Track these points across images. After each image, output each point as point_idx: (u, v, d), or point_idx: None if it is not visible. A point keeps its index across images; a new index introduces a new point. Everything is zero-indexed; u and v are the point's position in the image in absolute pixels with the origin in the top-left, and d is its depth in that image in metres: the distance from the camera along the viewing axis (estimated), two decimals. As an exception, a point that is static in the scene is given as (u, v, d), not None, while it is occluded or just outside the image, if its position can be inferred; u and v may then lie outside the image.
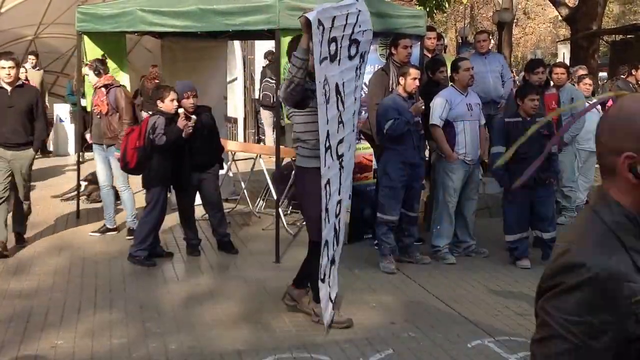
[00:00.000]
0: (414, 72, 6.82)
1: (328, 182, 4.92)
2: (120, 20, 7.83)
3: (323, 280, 5.11)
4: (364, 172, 8.04)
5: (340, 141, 5.08)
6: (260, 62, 15.06)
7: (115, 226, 8.05)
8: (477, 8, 37.10)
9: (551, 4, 23.39)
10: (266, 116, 13.67)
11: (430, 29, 9.13)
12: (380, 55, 8.21)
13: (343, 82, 5.04)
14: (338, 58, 4.93)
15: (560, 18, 25.55)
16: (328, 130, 4.84)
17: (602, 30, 20.07)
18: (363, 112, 7.84)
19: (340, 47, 4.94)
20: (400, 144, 6.82)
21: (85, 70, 7.84)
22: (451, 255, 7.24)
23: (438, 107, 7.17)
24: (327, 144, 4.84)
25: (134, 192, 7.92)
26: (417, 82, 6.82)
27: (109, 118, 7.56)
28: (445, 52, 22.01)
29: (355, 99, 5.39)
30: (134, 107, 7.92)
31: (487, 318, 5.58)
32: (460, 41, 26.44)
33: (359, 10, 5.12)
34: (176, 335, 5.15)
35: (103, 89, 7.57)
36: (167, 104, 6.81)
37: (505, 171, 7.00)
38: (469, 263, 7.17)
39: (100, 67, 7.64)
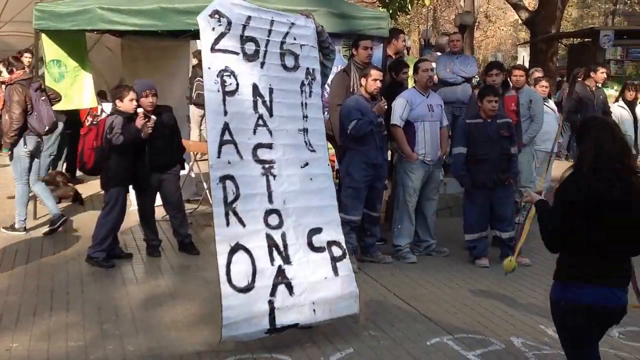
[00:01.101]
0: (375, 74, 6.85)
1: (231, 178, 4.86)
2: (79, 19, 7.72)
3: (244, 290, 4.80)
4: (326, 173, 8.03)
5: (266, 146, 5.08)
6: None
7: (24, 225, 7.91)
8: (439, 11, 37.41)
9: (512, 8, 23.74)
10: (195, 114, 13.20)
11: (399, 31, 9.17)
12: (343, 56, 8.25)
13: (271, 88, 5.17)
14: (260, 60, 5.14)
15: (520, 21, 25.92)
16: (227, 123, 4.90)
17: (560, 34, 20.45)
18: (325, 113, 7.86)
19: (266, 51, 5.16)
20: (363, 144, 6.86)
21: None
22: (412, 255, 7.30)
23: (399, 107, 7.23)
24: (227, 137, 4.88)
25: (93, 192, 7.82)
26: (378, 84, 6.85)
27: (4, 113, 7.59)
28: (408, 54, 22.17)
29: (307, 117, 5.36)
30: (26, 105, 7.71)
31: (446, 316, 5.63)
32: (423, 43, 26.62)
33: (292, 23, 5.33)
34: (134, 337, 5.09)
35: (3, 85, 7.55)
36: (126, 104, 6.74)
37: (465, 172, 7.09)
38: (429, 262, 7.24)
39: (14, 64, 7.61)
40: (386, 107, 6.94)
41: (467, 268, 7.03)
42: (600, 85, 10.48)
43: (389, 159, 7.77)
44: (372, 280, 6.60)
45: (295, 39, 5.35)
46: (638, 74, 15.13)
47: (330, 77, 7.68)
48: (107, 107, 11.34)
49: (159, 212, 7.55)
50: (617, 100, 10.44)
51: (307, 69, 5.41)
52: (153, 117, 6.77)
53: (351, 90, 7.28)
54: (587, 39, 17.19)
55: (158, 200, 7.32)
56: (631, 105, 10.06)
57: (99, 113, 11.19)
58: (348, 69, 7.47)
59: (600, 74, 10.09)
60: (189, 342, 5.03)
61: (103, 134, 6.64)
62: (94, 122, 8.23)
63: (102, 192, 6.99)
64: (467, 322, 5.53)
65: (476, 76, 18.22)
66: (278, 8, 6.83)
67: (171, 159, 7.20)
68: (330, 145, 7.83)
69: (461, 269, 6.98)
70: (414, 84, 7.62)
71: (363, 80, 6.90)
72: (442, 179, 8.04)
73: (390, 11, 14.12)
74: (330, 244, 5.19)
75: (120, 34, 9.21)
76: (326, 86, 7.84)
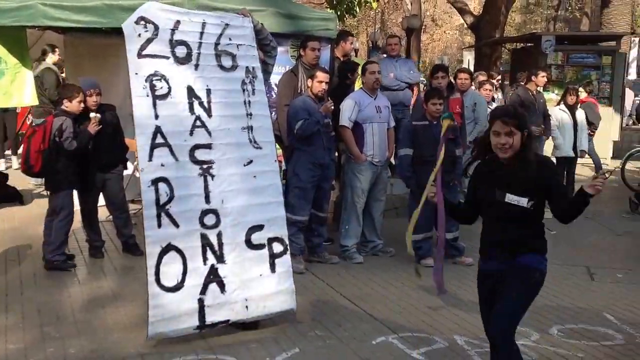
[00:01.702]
0: (321, 76, 6.87)
1: (164, 180, 4.91)
2: (20, 14, 7.49)
3: (172, 290, 4.91)
4: (273, 173, 8.02)
5: (204, 147, 5.13)
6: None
7: None
8: (387, 14, 37.78)
9: (457, 12, 24.09)
10: None
11: (348, 34, 9.20)
12: (291, 56, 8.25)
13: (208, 89, 5.24)
14: (194, 63, 5.21)
15: (465, 26, 26.34)
16: (159, 127, 4.95)
17: (504, 38, 20.82)
18: (273, 113, 7.84)
19: (199, 54, 5.24)
20: (310, 145, 6.87)
21: None
22: (359, 255, 7.33)
23: (347, 108, 7.26)
24: (160, 141, 4.94)
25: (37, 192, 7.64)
26: (324, 86, 6.87)
27: None
28: (356, 55, 22.29)
29: (251, 115, 5.42)
30: None
31: (391, 315, 5.68)
32: (371, 45, 26.86)
33: (226, 24, 5.42)
34: (76, 340, 5.00)
35: None
36: (75, 105, 6.62)
37: (411, 173, 7.15)
38: (376, 262, 7.29)
39: None
40: (333, 107, 6.96)
41: (413, 268, 7.08)
42: (541, 89, 10.70)
43: (337, 159, 7.81)
44: (319, 280, 6.61)
45: (230, 39, 5.43)
46: (578, 79, 15.49)
47: (278, 77, 7.71)
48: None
49: (102, 212, 7.42)
50: (558, 104, 10.66)
51: (247, 67, 5.47)
52: (98, 115, 6.67)
53: (299, 90, 7.28)
54: (529, 44, 17.52)
55: (101, 201, 7.19)
56: (572, 109, 10.28)
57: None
58: (296, 70, 7.47)
59: (541, 78, 10.29)
60: (132, 344, 4.96)
61: (50, 136, 6.49)
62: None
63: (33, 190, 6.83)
64: (412, 321, 5.58)
65: (423, 79, 18.47)
66: (226, 8, 6.82)
67: (114, 158, 7.09)
68: (278, 146, 7.85)
69: (407, 268, 7.02)
70: (361, 86, 7.66)
71: (309, 82, 6.92)
72: (389, 179, 8.10)
73: (338, 13, 14.18)
74: (272, 240, 5.29)
75: (62, 30, 9.02)
76: (274, 86, 7.85)
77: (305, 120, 6.74)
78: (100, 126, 6.63)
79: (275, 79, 7.80)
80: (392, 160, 8.11)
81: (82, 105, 6.62)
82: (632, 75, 27.37)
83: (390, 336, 5.21)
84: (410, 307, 5.93)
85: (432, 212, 7.15)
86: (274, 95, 7.80)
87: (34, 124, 7.68)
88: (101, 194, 7.15)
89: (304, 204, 6.89)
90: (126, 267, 6.89)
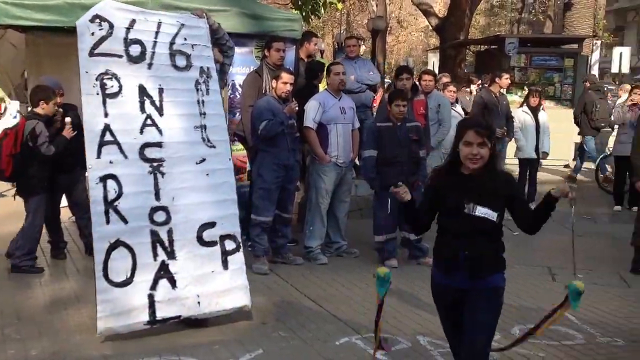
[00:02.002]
0: (285, 77, 6.88)
1: (113, 177, 5.00)
2: (-20, 13, 7.41)
3: (121, 285, 4.95)
4: (238, 174, 8.01)
5: (154, 145, 5.20)
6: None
7: None
8: (353, 15, 37.89)
9: (422, 14, 24.27)
10: None
11: (312, 34, 9.22)
12: (255, 57, 8.24)
13: (161, 88, 5.32)
14: (147, 62, 5.31)
15: (430, 28, 26.54)
16: (108, 125, 5.06)
17: (468, 40, 21.05)
18: (237, 114, 7.84)
19: (153, 53, 5.33)
20: (274, 145, 6.87)
21: None
22: (323, 256, 7.36)
23: (311, 110, 7.28)
24: (109, 138, 5.04)
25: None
26: (288, 87, 6.88)
27: None
28: (322, 56, 22.28)
29: (204, 114, 5.49)
30: None
31: (355, 316, 5.71)
32: (337, 47, 26.92)
33: (182, 24, 5.51)
34: (38, 341, 4.95)
35: None
36: (51, 107, 6.55)
37: (376, 174, 7.20)
38: (340, 263, 7.32)
39: None
40: (297, 108, 6.97)
41: (376, 268, 7.13)
42: (504, 91, 10.84)
43: (302, 160, 7.82)
44: (283, 281, 6.62)
45: (186, 39, 5.52)
46: (541, 81, 15.71)
47: (243, 77, 7.70)
48: (14, 105, 10.94)
49: (65, 213, 7.34)
50: (521, 105, 10.82)
51: (201, 67, 5.55)
52: (69, 118, 6.63)
53: (263, 91, 7.28)
54: (493, 46, 17.72)
55: (63, 202, 7.11)
56: (534, 111, 10.44)
57: (2, 111, 10.78)
58: (260, 70, 7.47)
59: (505, 79, 10.44)
60: (95, 346, 4.93)
61: (23, 139, 6.39)
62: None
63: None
64: (374, 321, 5.60)
65: (389, 80, 18.56)
66: (189, 8, 6.79)
67: (78, 158, 7.00)
68: (242, 147, 7.85)
69: (371, 269, 7.00)
70: (326, 87, 7.69)
71: (274, 83, 6.92)
72: (354, 180, 8.15)
73: (303, 14, 14.20)
74: (224, 237, 5.38)
75: (24, 29, 8.88)
76: (238, 87, 7.84)
77: (270, 121, 6.74)
78: (76, 132, 6.55)
79: (239, 79, 7.81)
80: (357, 162, 8.15)
81: (56, 107, 6.56)
82: (593, 77, 27.86)
83: (353, 337, 5.25)
84: (374, 308, 5.91)
85: (395, 214, 7.25)
86: (238, 96, 7.79)
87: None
88: (64, 194, 7.08)
89: (268, 205, 6.89)
90: (89, 269, 6.74)
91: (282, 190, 7.00)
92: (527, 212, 3.75)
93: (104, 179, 4.97)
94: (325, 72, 7.85)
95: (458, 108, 10.20)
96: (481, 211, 3.62)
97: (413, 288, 6.51)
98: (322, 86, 8.30)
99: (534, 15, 39.17)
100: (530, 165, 10.45)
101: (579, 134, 13.53)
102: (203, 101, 5.50)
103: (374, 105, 9.86)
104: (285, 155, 6.92)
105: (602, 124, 13.13)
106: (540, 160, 10.78)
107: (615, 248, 8.15)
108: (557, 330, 5.51)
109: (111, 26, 5.16)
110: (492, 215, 3.62)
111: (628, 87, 14.52)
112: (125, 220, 5.00)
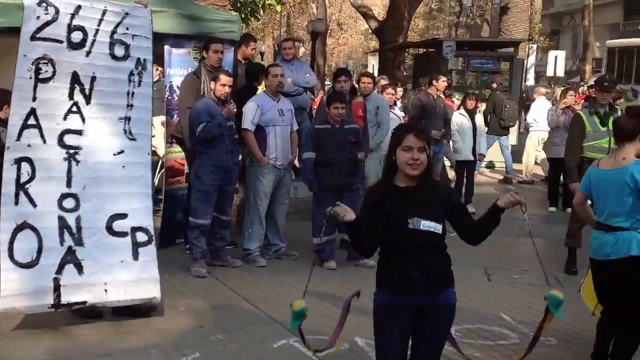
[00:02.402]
0: (224, 79, 6.84)
1: (28, 160, 5.05)
2: None
3: (26, 266, 5.00)
4: (176, 176, 7.94)
5: (75, 132, 5.26)
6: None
7: None
8: (293, 17, 37.90)
9: (362, 17, 24.47)
10: None
11: (250, 38, 9.17)
12: (193, 58, 8.14)
13: (94, 76, 5.34)
14: (87, 49, 5.30)
15: (370, 31, 26.78)
16: (34, 109, 5.08)
17: (407, 43, 21.32)
18: (175, 116, 7.75)
19: (94, 40, 5.33)
20: (213, 147, 6.82)
21: None
22: (262, 258, 7.34)
23: (249, 111, 7.26)
24: (32, 122, 5.07)
25: None
26: (227, 89, 6.84)
27: None
28: (262, 59, 22.21)
29: (132, 106, 5.52)
30: None
31: (293, 318, 5.69)
32: (277, 49, 26.92)
33: (126, 13, 5.51)
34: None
35: None
36: (6, 112, 6.33)
37: (314, 176, 7.22)
38: (279, 265, 7.31)
39: None
40: (236, 110, 6.94)
41: (315, 270, 7.12)
42: (441, 93, 10.99)
43: (241, 162, 7.78)
44: (221, 284, 6.58)
45: (128, 28, 5.52)
46: (478, 84, 15.99)
47: (180, 79, 7.62)
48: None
49: None
50: (458, 108, 10.99)
51: (138, 59, 5.57)
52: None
53: (201, 93, 7.21)
54: (431, 49, 17.98)
55: None
56: (471, 113, 10.61)
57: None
58: (198, 72, 7.39)
59: (442, 82, 10.56)
60: (30, 351, 4.83)
61: None
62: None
63: None
64: (313, 323, 5.54)
65: (328, 82, 18.62)
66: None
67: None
68: (180, 149, 7.76)
69: (309, 271, 7.07)
70: (264, 89, 7.68)
71: (212, 84, 6.87)
72: (293, 182, 8.15)
73: (242, 15, 14.14)
74: (135, 229, 5.42)
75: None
76: (176, 88, 7.75)
77: (208, 122, 6.69)
78: None
79: (177, 81, 7.72)
80: (296, 163, 8.16)
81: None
82: (530, 80, 28.56)
83: (291, 339, 5.23)
84: (311, 310, 5.84)
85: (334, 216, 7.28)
86: (176, 98, 7.70)
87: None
88: None
89: (206, 208, 6.83)
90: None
91: (221, 192, 6.96)
92: (470, 222, 3.62)
93: (18, 161, 5.03)
94: (264, 75, 7.82)
95: (397, 110, 10.31)
96: (426, 224, 3.45)
97: (351, 290, 6.48)
98: (260, 88, 8.28)
99: (471, 19, 39.92)
100: (467, 167, 10.62)
101: (488, 133, 13.59)
102: (133, 93, 5.52)
103: (314, 107, 9.89)
104: (223, 157, 6.88)
105: (511, 124, 13.59)
106: (478, 162, 10.99)
107: (551, 249, 8.33)
108: (492, 331, 5.62)
109: (57, 11, 5.15)
110: (437, 227, 3.47)
111: (543, 90, 14.95)
112: (34, 204, 5.05)
